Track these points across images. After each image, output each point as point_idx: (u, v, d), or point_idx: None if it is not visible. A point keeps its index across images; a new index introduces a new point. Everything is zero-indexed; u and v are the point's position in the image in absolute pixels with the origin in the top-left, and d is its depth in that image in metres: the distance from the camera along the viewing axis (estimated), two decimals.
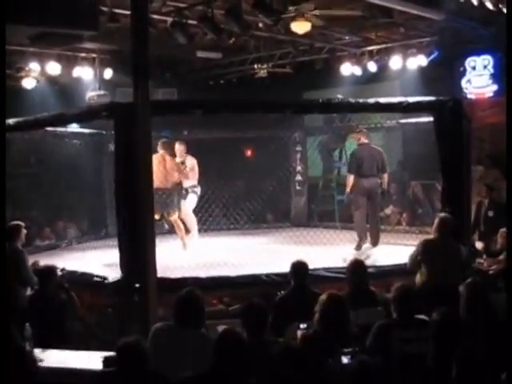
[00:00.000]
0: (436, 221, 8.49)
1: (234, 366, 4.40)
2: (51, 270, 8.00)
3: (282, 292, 7.25)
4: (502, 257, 8.95)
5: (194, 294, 5.66)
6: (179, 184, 11.94)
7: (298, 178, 16.66)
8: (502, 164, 12.03)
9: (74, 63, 14.73)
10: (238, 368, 4.39)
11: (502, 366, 4.44)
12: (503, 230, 8.97)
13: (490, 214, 11.89)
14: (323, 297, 5.54)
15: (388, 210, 14.84)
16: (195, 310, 5.54)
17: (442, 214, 8.73)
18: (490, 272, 8.98)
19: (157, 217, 11.39)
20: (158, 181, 10.43)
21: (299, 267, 7.37)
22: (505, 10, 10.43)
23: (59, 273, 8.27)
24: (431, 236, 8.53)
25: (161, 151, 11.58)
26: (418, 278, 8.11)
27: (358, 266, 7.42)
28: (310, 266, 9.64)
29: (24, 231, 9.33)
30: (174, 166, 11.67)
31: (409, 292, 5.79)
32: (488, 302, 5.73)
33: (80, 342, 7.25)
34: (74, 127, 14.43)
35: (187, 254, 11.95)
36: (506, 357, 4.38)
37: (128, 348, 4.65)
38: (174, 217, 11.72)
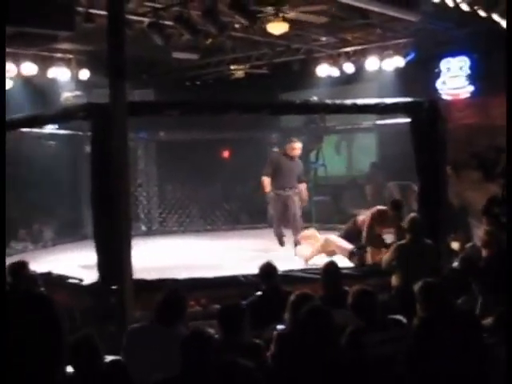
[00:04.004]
0: (406, 222, 8.54)
1: (200, 366, 4.33)
2: (22, 264, 7.95)
3: (256, 294, 7.22)
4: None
5: (176, 293, 5.75)
6: None
7: None
8: (485, 165, 12.09)
9: (50, 64, 14.63)
10: (205, 367, 4.32)
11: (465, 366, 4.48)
12: (488, 228, 9.06)
13: None
14: (292, 296, 5.55)
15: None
16: (176, 307, 5.57)
17: (412, 215, 8.79)
18: None
19: None
20: None
21: (267, 270, 7.37)
22: (480, 12, 10.49)
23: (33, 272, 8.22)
24: (404, 240, 8.54)
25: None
26: (394, 281, 8.15)
27: (331, 267, 7.43)
28: (286, 267, 9.71)
29: None
30: None
31: (365, 295, 5.67)
32: (445, 302, 5.67)
33: None
34: (49, 128, 14.35)
35: (164, 255, 11.93)
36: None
37: (79, 343, 4.68)
38: None
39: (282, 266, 8.44)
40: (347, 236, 10.75)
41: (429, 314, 5.46)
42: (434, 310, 5.48)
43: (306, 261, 10.70)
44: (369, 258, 9.99)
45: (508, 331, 4.77)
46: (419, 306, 5.63)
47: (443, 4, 10.16)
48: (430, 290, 5.66)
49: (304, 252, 11.02)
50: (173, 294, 5.72)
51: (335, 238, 10.75)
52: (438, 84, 14.62)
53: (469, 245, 9.85)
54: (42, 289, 7.93)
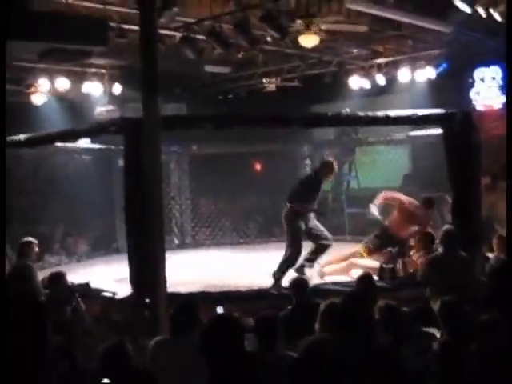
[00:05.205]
0: (440, 234, 8.48)
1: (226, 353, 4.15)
2: (59, 275, 8.01)
3: (288, 307, 7.21)
4: None
5: (186, 303, 5.81)
6: None
7: None
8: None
9: (83, 79, 14.78)
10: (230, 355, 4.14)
11: None
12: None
13: None
14: (321, 307, 5.55)
15: None
16: (187, 317, 5.60)
17: (445, 227, 8.72)
18: None
19: None
20: None
21: (297, 283, 7.38)
22: None
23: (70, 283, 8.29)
24: (439, 251, 8.47)
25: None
26: (428, 293, 8.08)
27: (365, 279, 7.40)
28: (319, 281, 9.68)
29: (36, 249, 9.33)
30: None
31: (391, 310, 5.66)
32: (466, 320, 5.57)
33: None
34: (83, 142, 14.47)
35: (197, 268, 11.95)
36: None
37: (111, 350, 4.71)
38: None
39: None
40: (381, 243, 10.70)
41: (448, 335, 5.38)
42: (454, 329, 5.39)
43: (322, 277, 10.55)
44: (400, 272, 9.93)
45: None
46: (440, 324, 5.57)
47: (475, 14, 10.10)
48: (448, 309, 5.61)
49: (325, 269, 10.89)
50: (183, 305, 5.77)
51: (359, 260, 10.66)
52: (472, 94, 14.53)
53: (492, 255, 9.76)
54: (79, 299, 8.02)
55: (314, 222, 10.56)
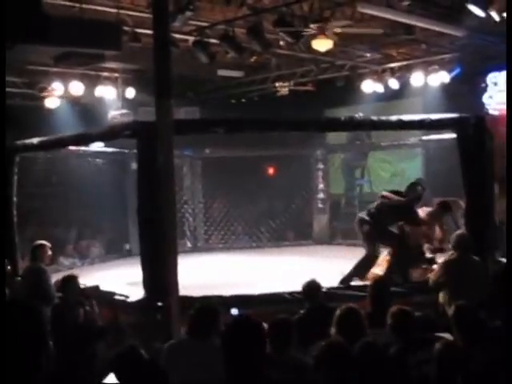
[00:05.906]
0: (453, 239, 8.45)
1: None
2: (71, 278, 8.04)
3: (301, 312, 7.20)
4: None
5: (207, 305, 5.83)
6: None
7: (320, 195, 16.63)
8: None
9: (97, 83, 14.82)
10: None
11: None
12: None
13: None
14: (338, 311, 5.55)
15: None
16: (208, 320, 5.59)
17: (458, 231, 8.70)
18: None
19: None
20: None
21: (310, 288, 7.38)
22: None
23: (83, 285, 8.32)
24: (452, 256, 8.45)
25: None
26: (442, 297, 8.05)
27: (378, 283, 7.38)
28: (332, 284, 9.66)
29: (49, 252, 9.35)
30: None
31: (404, 315, 5.63)
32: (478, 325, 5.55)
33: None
34: (96, 146, 14.52)
35: (210, 272, 11.96)
36: None
37: (124, 355, 4.69)
38: None
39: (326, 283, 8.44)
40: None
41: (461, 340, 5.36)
42: (467, 334, 5.38)
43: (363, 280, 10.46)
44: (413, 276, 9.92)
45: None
46: (453, 329, 5.56)
47: (489, 18, 10.09)
48: (461, 313, 5.60)
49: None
50: (204, 307, 5.76)
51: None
52: (485, 98, 14.48)
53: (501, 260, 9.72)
54: (94, 302, 8.05)
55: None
